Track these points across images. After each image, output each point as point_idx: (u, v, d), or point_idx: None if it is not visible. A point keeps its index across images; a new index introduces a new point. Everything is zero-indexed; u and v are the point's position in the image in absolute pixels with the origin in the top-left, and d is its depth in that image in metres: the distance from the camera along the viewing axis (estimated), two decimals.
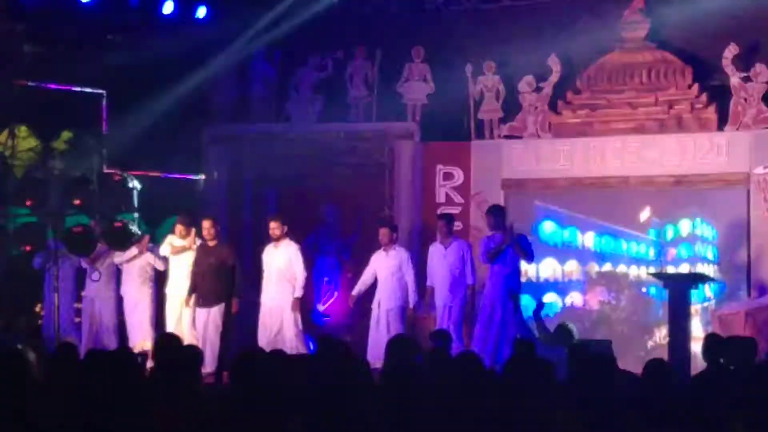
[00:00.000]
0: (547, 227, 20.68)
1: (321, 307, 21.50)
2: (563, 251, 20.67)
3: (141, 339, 18.70)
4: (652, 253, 20.01)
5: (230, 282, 18.22)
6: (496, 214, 18.34)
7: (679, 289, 16.82)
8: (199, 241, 18.82)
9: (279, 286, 18.72)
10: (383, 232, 18.99)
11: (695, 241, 19.72)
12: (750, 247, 19.02)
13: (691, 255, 19.68)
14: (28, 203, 18.52)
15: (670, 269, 19.23)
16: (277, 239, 18.96)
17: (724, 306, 18.81)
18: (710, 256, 19.52)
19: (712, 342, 12.49)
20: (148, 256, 19.01)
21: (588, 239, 20.53)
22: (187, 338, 17.43)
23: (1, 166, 21.07)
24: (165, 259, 18.96)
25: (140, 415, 7.97)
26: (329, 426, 7.32)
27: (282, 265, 18.75)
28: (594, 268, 20.49)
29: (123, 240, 18.60)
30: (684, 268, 19.20)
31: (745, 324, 17.93)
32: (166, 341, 10.58)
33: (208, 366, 16.85)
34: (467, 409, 7.54)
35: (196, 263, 18.62)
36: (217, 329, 17.96)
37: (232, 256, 18.66)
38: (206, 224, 18.68)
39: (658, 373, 9.05)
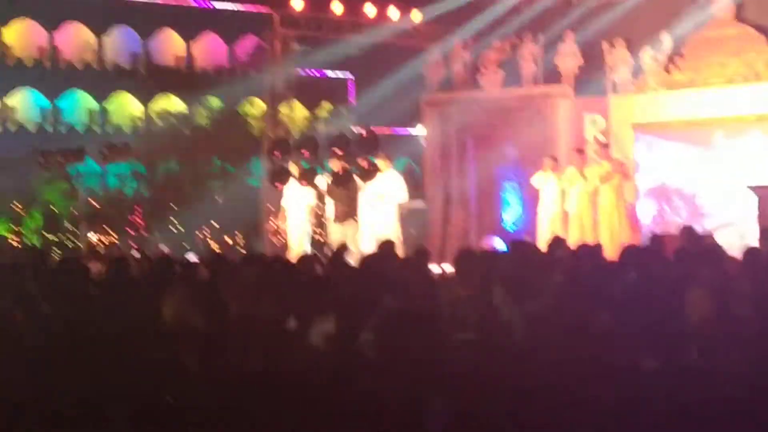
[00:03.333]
0: None
1: (507, 218, 21.70)
2: None
3: None
4: None
5: None
6: None
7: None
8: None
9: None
10: (546, 162, 19.26)
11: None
12: None
13: None
14: (303, 153, 18.80)
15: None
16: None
17: None
18: None
19: None
20: None
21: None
22: None
23: (285, 129, 21.72)
24: None
25: None
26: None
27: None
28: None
29: (371, 174, 18.77)
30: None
31: None
32: None
33: None
34: None
35: None
36: None
37: None
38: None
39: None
